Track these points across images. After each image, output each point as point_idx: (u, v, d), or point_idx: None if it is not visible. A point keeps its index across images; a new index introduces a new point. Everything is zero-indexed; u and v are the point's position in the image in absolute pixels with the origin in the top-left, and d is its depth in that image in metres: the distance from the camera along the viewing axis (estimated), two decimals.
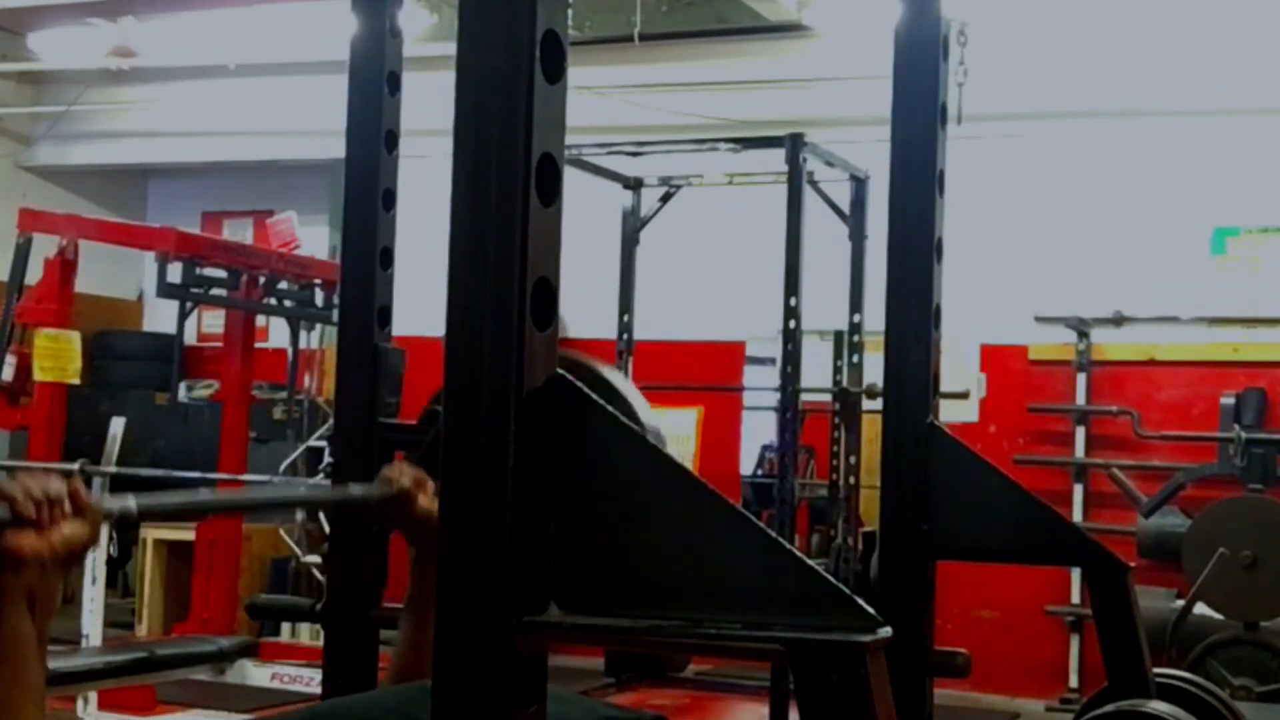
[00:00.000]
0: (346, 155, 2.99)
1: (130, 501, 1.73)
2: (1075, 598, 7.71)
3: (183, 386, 8.61)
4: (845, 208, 7.08)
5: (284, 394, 8.07)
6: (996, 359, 7.87)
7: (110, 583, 7.02)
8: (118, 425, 6.38)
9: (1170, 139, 7.79)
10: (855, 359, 7.16)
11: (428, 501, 2.10)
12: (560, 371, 1.41)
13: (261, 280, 7.23)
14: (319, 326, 7.98)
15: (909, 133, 3.08)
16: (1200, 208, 7.74)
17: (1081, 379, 7.88)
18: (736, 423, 8.13)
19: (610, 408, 1.42)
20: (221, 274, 7.10)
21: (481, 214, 1.38)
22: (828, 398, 7.20)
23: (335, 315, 3.29)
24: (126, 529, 8.55)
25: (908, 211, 3.08)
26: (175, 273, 6.85)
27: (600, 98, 8.30)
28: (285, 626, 7.81)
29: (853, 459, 7.04)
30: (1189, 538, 6.85)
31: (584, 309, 7.33)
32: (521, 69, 1.37)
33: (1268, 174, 7.64)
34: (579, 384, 1.41)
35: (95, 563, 6.05)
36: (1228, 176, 7.71)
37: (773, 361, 7.46)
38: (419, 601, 2.11)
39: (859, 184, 7.06)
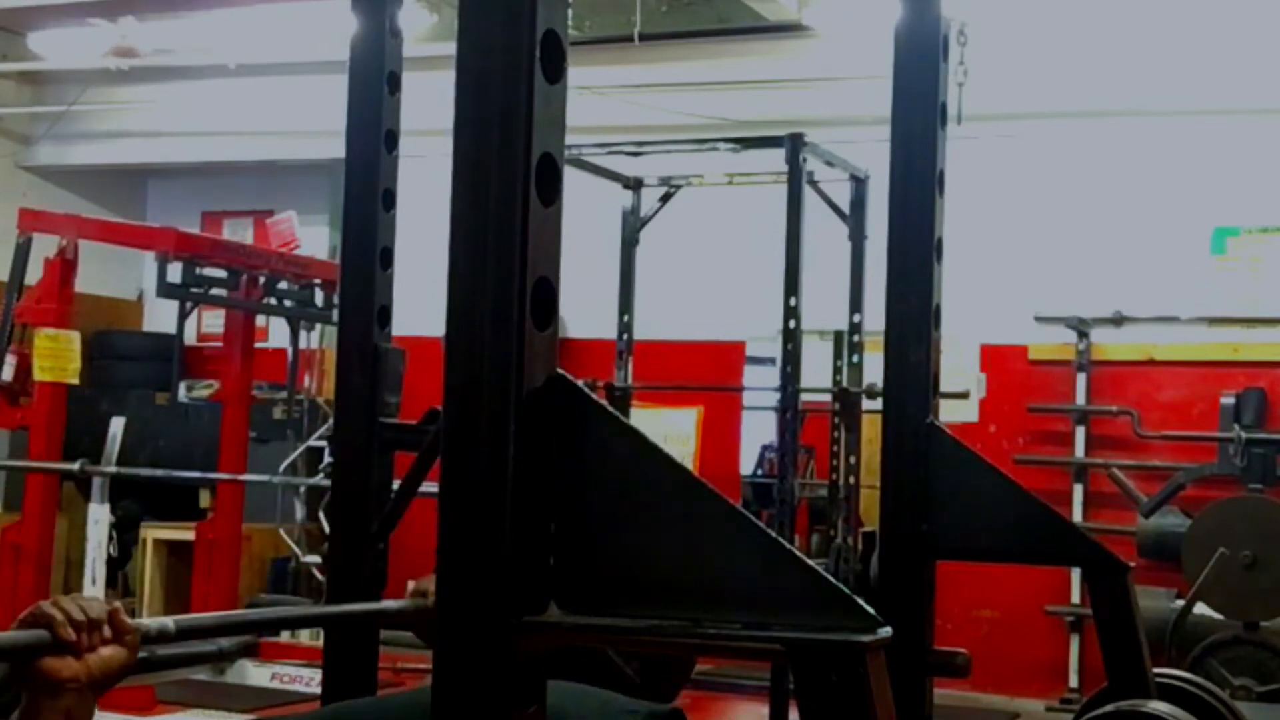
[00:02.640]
0: (346, 155, 2.99)
1: (169, 622, 1.74)
2: (1075, 598, 7.71)
3: (183, 386, 8.60)
4: (845, 208, 7.08)
5: (284, 394, 8.07)
6: (996, 359, 7.87)
7: (110, 583, 7.02)
8: (118, 425, 6.38)
9: (1170, 139, 7.79)
10: (855, 359, 7.16)
11: None
12: (560, 371, 1.41)
13: (261, 280, 7.23)
14: (319, 326, 7.98)
15: (909, 133, 3.08)
16: (1200, 208, 7.74)
17: (1081, 379, 7.88)
18: (736, 423, 8.11)
19: (610, 407, 1.42)
20: (221, 274, 7.10)
21: (481, 214, 1.38)
22: (828, 398, 7.20)
23: (335, 315, 3.28)
24: (130, 523, 8.56)
25: (908, 211, 3.08)
26: (175, 273, 6.85)
27: (600, 98, 8.30)
28: None
29: (853, 459, 7.03)
30: (1189, 538, 6.86)
31: (584, 309, 7.32)
32: (521, 69, 1.37)
33: (1268, 174, 7.64)
34: (579, 384, 1.41)
35: (95, 563, 6.06)
36: (1228, 176, 7.71)
37: (773, 361, 7.46)
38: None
39: (859, 184, 7.06)
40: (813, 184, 6.76)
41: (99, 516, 6.23)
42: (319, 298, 7.53)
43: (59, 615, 1.57)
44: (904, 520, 3.02)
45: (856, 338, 7.16)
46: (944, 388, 3.14)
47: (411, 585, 2.13)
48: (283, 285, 7.39)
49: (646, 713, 1.85)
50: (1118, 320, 7.87)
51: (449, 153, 1.39)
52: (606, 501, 1.42)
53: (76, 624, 1.57)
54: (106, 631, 1.60)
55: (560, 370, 1.41)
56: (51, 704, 1.56)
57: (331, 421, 4.18)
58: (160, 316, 9.89)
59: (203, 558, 7.26)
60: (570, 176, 1.43)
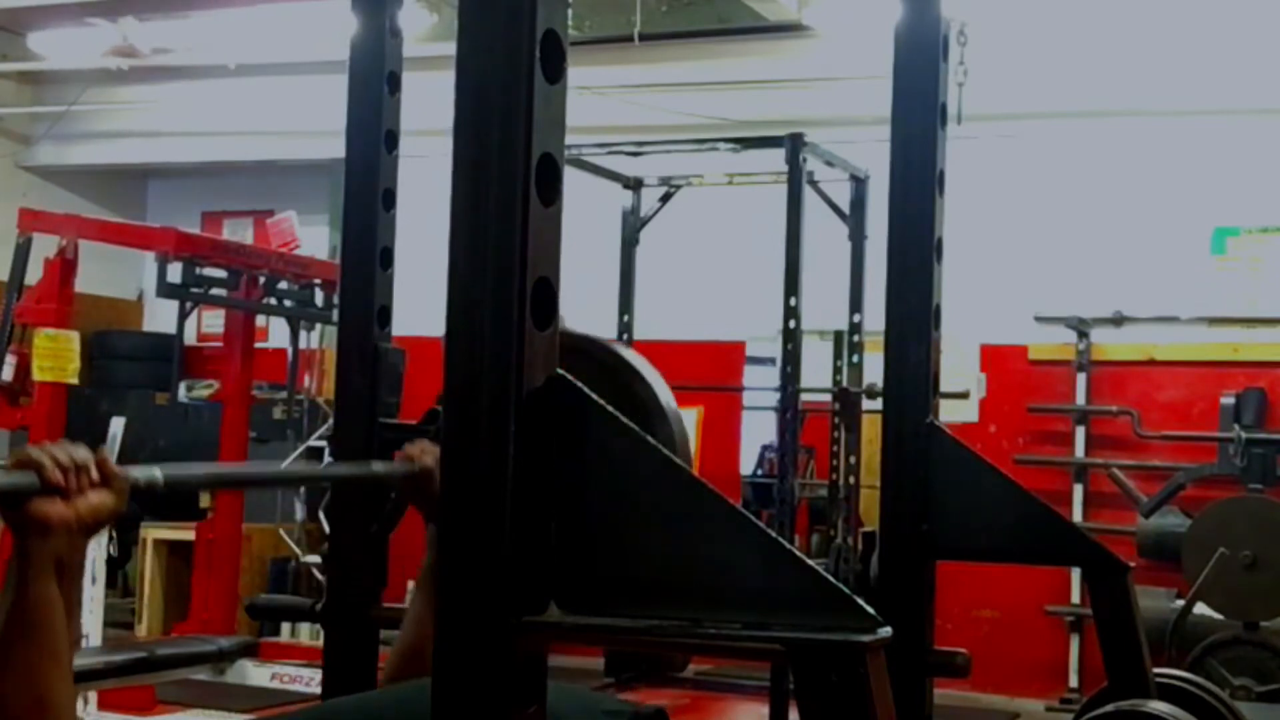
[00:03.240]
0: (346, 155, 2.99)
1: (156, 471, 1.73)
2: (1075, 598, 7.71)
3: (183, 386, 8.59)
4: (845, 208, 7.08)
5: (284, 394, 8.06)
6: (996, 359, 7.86)
7: (110, 583, 7.03)
8: (118, 425, 6.38)
9: (1170, 139, 7.80)
10: (855, 359, 7.16)
11: None
12: (560, 371, 1.41)
13: (261, 280, 7.22)
14: (319, 326, 7.97)
15: (909, 133, 3.08)
16: (1200, 208, 7.74)
17: (1081, 379, 7.88)
18: (736, 423, 8.12)
19: (609, 407, 1.42)
20: (221, 274, 7.09)
21: (481, 214, 1.38)
22: (828, 398, 7.20)
23: (335, 315, 3.28)
24: (130, 523, 8.56)
25: (908, 211, 3.08)
26: (175, 273, 6.84)
27: (600, 98, 8.30)
28: (285, 626, 7.81)
29: (853, 459, 7.03)
30: (1189, 538, 6.86)
31: (584, 309, 7.30)
32: (521, 69, 1.37)
33: (1268, 174, 7.64)
34: (579, 384, 1.41)
35: (95, 563, 6.05)
36: (1228, 176, 7.71)
37: (773, 361, 7.46)
38: (435, 574, 2.12)
39: (859, 184, 7.06)
40: (813, 184, 6.76)
41: None
42: (319, 298, 7.52)
43: (46, 459, 1.57)
44: (904, 520, 3.02)
45: (856, 338, 7.16)
46: (944, 388, 3.14)
47: (405, 448, 2.15)
48: (283, 285, 7.39)
49: (631, 712, 1.85)
50: (1118, 320, 7.87)
51: (449, 153, 1.39)
52: (606, 501, 1.42)
53: (64, 467, 1.57)
54: (94, 475, 1.60)
55: (560, 370, 1.41)
56: (42, 546, 1.57)
57: (331, 421, 4.18)
58: (160, 316, 9.89)
59: (203, 558, 7.26)
60: (570, 176, 1.43)
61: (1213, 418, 7.48)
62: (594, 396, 1.41)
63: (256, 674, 6.55)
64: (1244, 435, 7.20)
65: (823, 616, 1.36)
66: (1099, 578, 3.07)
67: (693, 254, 8.38)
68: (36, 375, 6.63)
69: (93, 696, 5.91)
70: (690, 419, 7.74)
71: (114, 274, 10.11)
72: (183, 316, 7.15)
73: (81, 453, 1.60)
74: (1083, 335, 7.85)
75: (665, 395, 2.67)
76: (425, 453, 2.11)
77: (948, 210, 3.10)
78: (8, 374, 6.80)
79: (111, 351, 10.06)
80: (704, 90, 8.57)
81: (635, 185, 7.66)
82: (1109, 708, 2.94)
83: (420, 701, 1.43)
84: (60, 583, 1.59)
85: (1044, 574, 7.61)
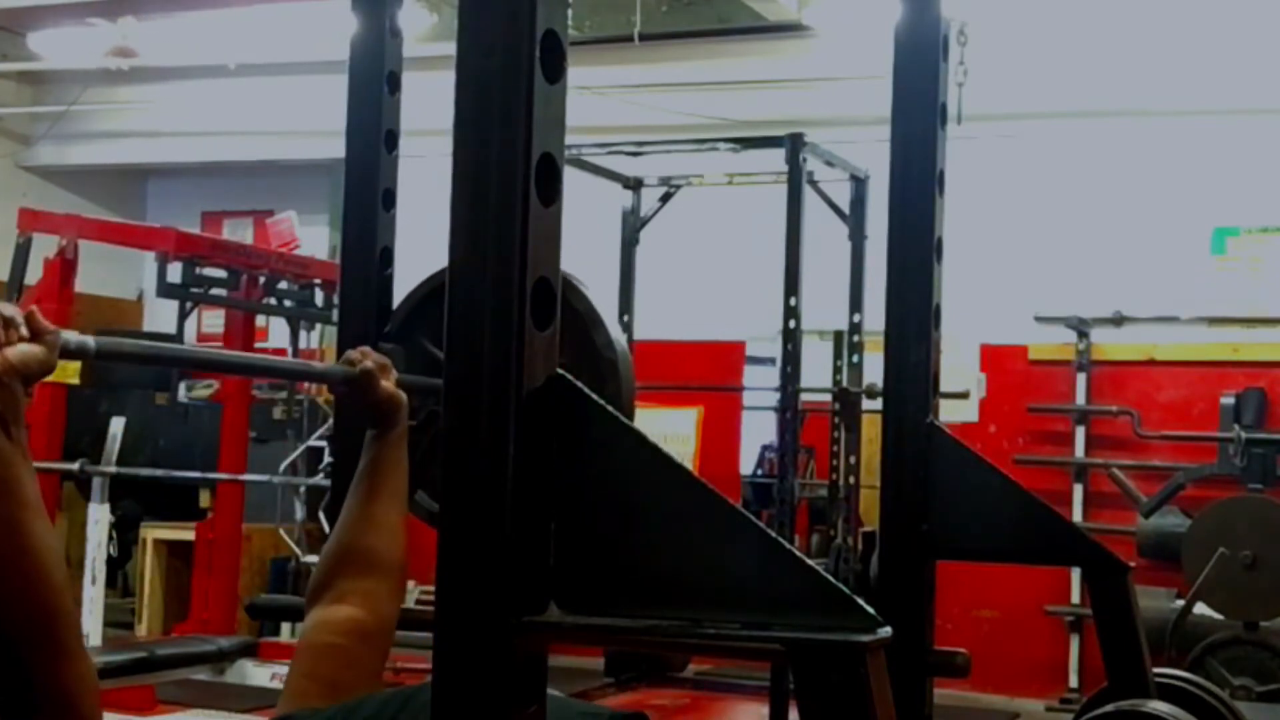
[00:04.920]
0: (346, 155, 2.98)
1: (90, 340, 1.74)
2: (1075, 598, 7.71)
3: (183, 386, 8.60)
4: (845, 208, 7.08)
5: (284, 394, 8.07)
6: (996, 359, 7.87)
7: (110, 583, 7.03)
8: (118, 425, 6.38)
9: (1170, 139, 7.80)
10: (855, 359, 7.17)
11: (390, 384, 2.12)
12: (560, 371, 1.41)
13: (261, 280, 7.23)
14: (319, 326, 7.98)
15: (909, 133, 3.08)
16: (1200, 208, 7.74)
17: (1081, 379, 7.88)
18: (736, 423, 8.12)
19: (610, 407, 1.42)
20: (221, 274, 7.10)
21: (481, 214, 1.38)
22: (828, 398, 7.20)
23: (335, 315, 3.28)
24: (130, 523, 8.56)
25: (908, 211, 3.08)
26: (175, 273, 6.85)
27: (600, 98, 8.30)
28: (285, 626, 7.81)
29: (853, 459, 7.04)
30: (1189, 538, 6.86)
31: None
32: (521, 69, 1.37)
33: (1268, 174, 7.65)
34: (579, 384, 1.41)
35: (95, 563, 6.06)
36: (1228, 176, 7.71)
37: (773, 361, 7.46)
38: (372, 476, 2.11)
39: (859, 184, 7.06)
40: (813, 184, 6.76)
41: (99, 516, 6.23)
42: (319, 298, 7.53)
43: None
44: (904, 520, 3.02)
45: (856, 338, 7.16)
46: (944, 388, 3.14)
47: (346, 354, 2.15)
48: (283, 285, 7.39)
49: (608, 715, 1.84)
50: (1118, 320, 7.87)
51: (449, 153, 1.39)
52: (606, 501, 1.42)
53: None
54: (24, 331, 1.60)
55: (560, 370, 1.41)
56: None
57: (331, 421, 4.18)
58: (160, 316, 9.88)
59: (203, 558, 7.27)
60: (570, 176, 1.43)
61: (1213, 418, 7.48)
62: (594, 397, 1.41)
63: (256, 674, 6.55)
64: (1244, 435, 7.20)
65: (823, 616, 1.36)
66: (1099, 578, 3.07)
67: (693, 254, 8.38)
68: None
69: None
70: (690, 419, 7.75)
71: (114, 274, 10.11)
72: (183, 316, 7.15)
73: (9, 308, 1.60)
74: (1083, 335, 7.85)
75: (599, 301, 2.67)
76: (366, 356, 2.11)
77: (948, 210, 3.10)
78: None
79: None
80: (704, 90, 8.57)
81: (635, 185, 7.66)
82: (1109, 708, 2.94)
83: (421, 702, 1.43)
84: (5, 433, 1.58)
85: (1044, 574, 7.61)
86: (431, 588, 1.40)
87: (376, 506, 2.08)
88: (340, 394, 2.15)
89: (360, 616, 1.98)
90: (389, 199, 2.99)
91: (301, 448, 7.73)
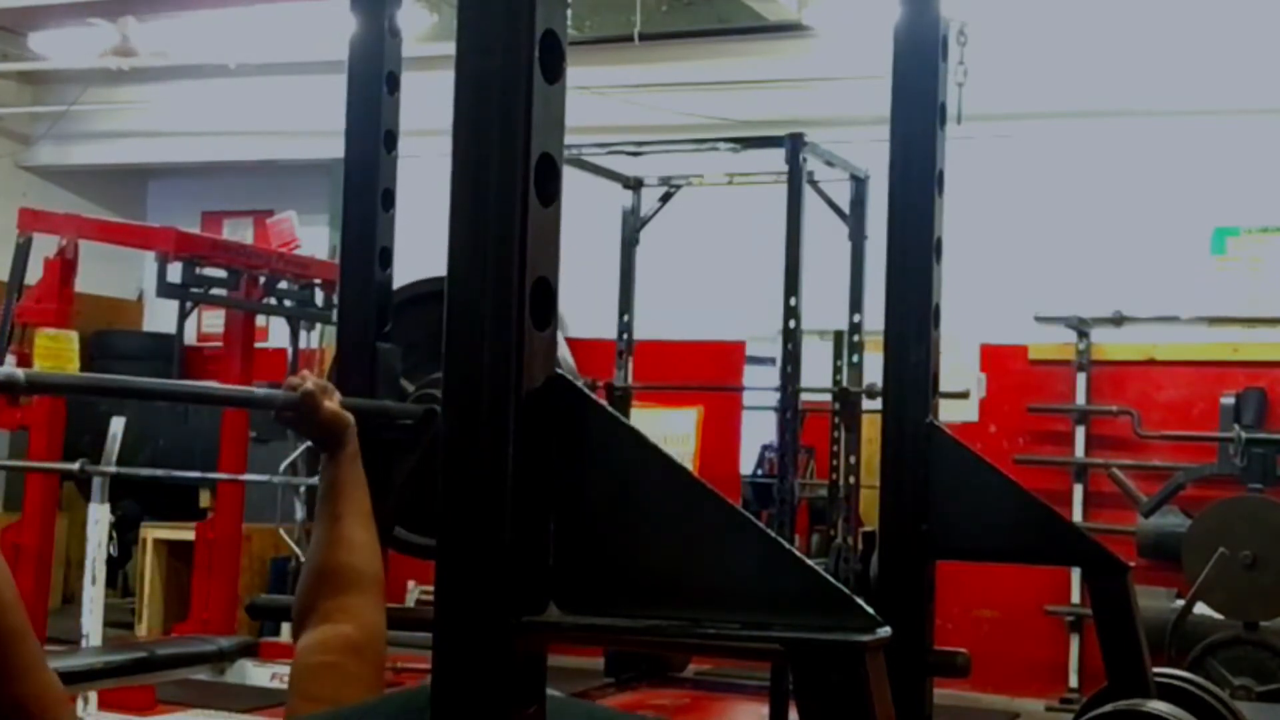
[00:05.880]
0: (346, 155, 2.98)
1: (20, 374, 1.76)
2: (1075, 598, 7.71)
3: None
4: (845, 208, 7.09)
5: None
6: (996, 359, 7.87)
7: (110, 583, 7.02)
8: (118, 425, 6.38)
9: (1170, 139, 7.80)
10: (855, 359, 7.17)
11: (334, 405, 2.13)
12: (560, 371, 1.40)
13: (261, 280, 7.23)
14: (319, 326, 7.98)
15: (909, 133, 3.08)
16: (1200, 208, 7.74)
17: (1081, 379, 7.88)
18: (736, 423, 8.13)
19: (610, 408, 1.42)
20: (221, 274, 7.10)
21: (481, 214, 1.38)
22: (828, 398, 7.20)
23: (335, 315, 3.28)
24: (130, 523, 8.55)
25: (907, 211, 3.08)
26: (175, 273, 6.85)
27: (600, 98, 8.30)
28: (285, 627, 7.80)
29: (853, 459, 7.04)
30: (1189, 538, 6.86)
31: (584, 309, 7.32)
32: (520, 69, 1.37)
33: (1268, 174, 7.65)
34: (579, 384, 1.41)
35: (95, 563, 6.05)
36: (1228, 176, 7.71)
37: (773, 361, 7.46)
38: (332, 499, 2.11)
39: (859, 184, 7.06)
40: (813, 184, 6.76)
41: (99, 516, 6.23)
42: (319, 298, 7.53)
43: None
44: (904, 520, 3.02)
45: (856, 338, 7.16)
46: (944, 388, 3.14)
47: (287, 379, 2.15)
48: (283, 285, 7.39)
49: (610, 716, 1.85)
50: (1118, 320, 7.87)
51: (448, 153, 1.39)
52: (606, 501, 1.42)
53: None
54: None
55: (560, 370, 1.41)
56: None
57: None
58: (160, 316, 9.90)
59: (203, 558, 7.26)
60: (570, 176, 1.43)
61: (1213, 418, 7.48)
62: (593, 396, 1.41)
63: (256, 674, 6.55)
64: (1244, 435, 7.20)
65: (822, 616, 1.36)
66: (1099, 578, 3.07)
67: (693, 254, 8.38)
68: None
69: (93, 696, 5.91)
70: (690, 419, 7.75)
71: (114, 274, 10.11)
72: (183, 316, 7.16)
73: None
74: (1083, 335, 7.85)
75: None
76: (305, 378, 2.12)
77: (947, 210, 3.10)
78: None
79: (111, 351, 10.06)
80: (704, 90, 8.57)
81: (635, 185, 7.66)
82: (1109, 708, 2.94)
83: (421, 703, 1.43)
84: None
85: (1044, 574, 7.61)
86: (431, 588, 1.40)
87: (343, 527, 2.09)
88: (285, 420, 2.16)
89: (348, 632, 1.99)
90: (388, 199, 2.99)
91: (301, 448, 7.71)
